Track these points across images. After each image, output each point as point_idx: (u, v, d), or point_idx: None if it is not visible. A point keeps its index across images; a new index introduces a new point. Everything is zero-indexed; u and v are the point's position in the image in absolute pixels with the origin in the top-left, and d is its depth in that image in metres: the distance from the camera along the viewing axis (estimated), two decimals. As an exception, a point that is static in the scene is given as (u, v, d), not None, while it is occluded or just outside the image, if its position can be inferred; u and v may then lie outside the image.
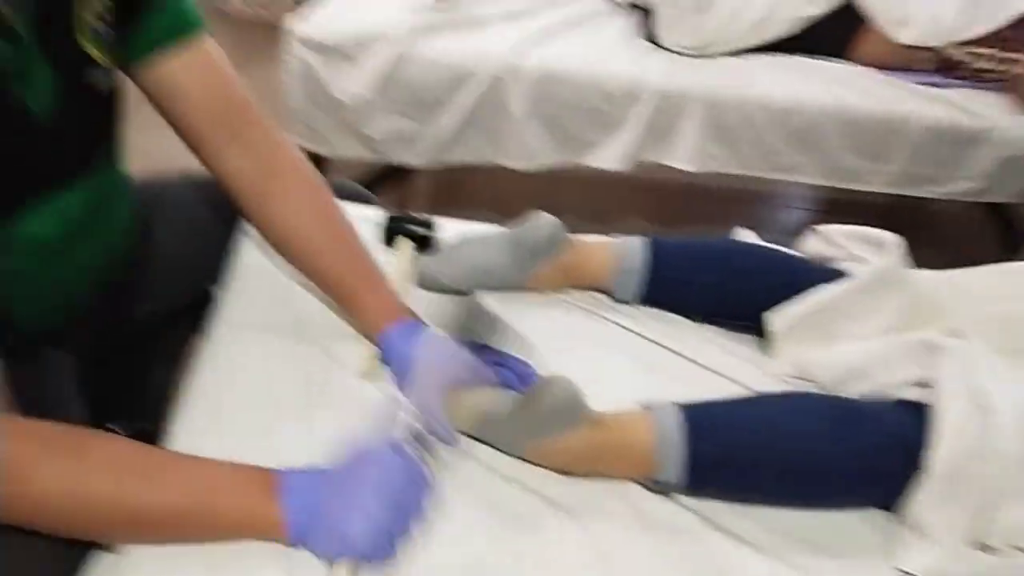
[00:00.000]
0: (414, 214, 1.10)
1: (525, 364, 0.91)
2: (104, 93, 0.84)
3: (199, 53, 0.88)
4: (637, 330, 1.02)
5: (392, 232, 1.07)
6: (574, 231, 1.05)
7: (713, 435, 0.79)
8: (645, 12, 1.97)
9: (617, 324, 1.03)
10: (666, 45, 1.89)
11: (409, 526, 0.71)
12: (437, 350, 0.86)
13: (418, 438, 0.75)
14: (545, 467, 0.82)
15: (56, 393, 0.91)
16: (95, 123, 0.86)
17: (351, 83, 1.69)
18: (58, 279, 0.88)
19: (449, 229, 1.10)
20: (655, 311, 1.05)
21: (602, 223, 2.30)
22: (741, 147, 1.85)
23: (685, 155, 1.85)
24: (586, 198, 2.45)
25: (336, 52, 1.68)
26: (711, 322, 1.05)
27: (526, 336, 0.93)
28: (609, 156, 1.84)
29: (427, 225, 1.08)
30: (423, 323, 0.91)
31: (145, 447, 0.72)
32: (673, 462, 0.78)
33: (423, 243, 1.07)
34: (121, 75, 0.86)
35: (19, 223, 0.79)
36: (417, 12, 1.73)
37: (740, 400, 0.87)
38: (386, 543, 0.69)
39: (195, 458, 0.72)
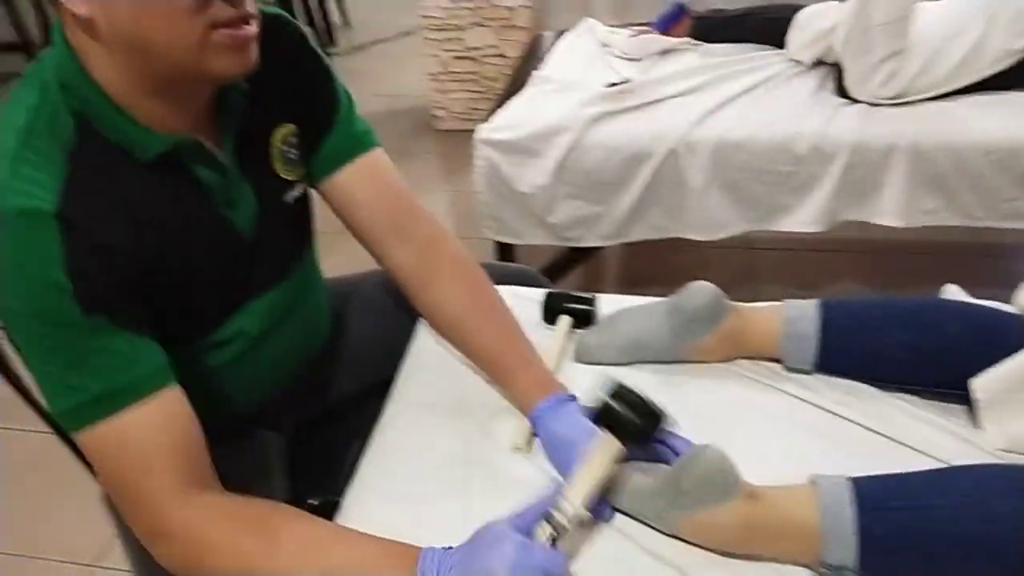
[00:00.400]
0: (575, 292, 1.11)
1: (683, 440, 0.87)
2: (296, 207, 0.97)
3: (369, 165, 0.99)
4: (813, 400, 0.94)
5: (551, 309, 1.09)
6: (775, 299, 1.00)
7: (888, 513, 0.70)
8: (831, 66, 1.89)
9: (789, 394, 0.95)
10: (860, 98, 1.79)
11: None
12: (584, 425, 0.85)
13: (551, 519, 0.73)
14: (700, 546, 0.77)
15: (263, 469, 1.02)
16: (291, 234, 0.98)
17: (532, 175, 1.78)
18: (262, 367, 1.00)
19: (613, 303, 1.10)
20: (834, 379, 0.96)
21: (805, 289, 2.16)
22: (959, 195, 1.68)
23: (892, 210, 1.71)
24: (785, 264, 2.33)
25: (517, 148, 1.78)
26: (903, 390, 0.94)
27: (687, 409, 0.89)
28: (804, 219, 1.75)
29: (586, 301, 1.09)
30: (573, 398, 0.91)
31: (317, 526, 0.77)
32: (841, 543, 0.70)
33: (582, 318, 1.08)
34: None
35: (237, 318, 0.92)
36: (593, 103, 1.79)
37: (925, 472, 0.76)
38: None
39: (356, 537, 0.76)
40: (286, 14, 0.96)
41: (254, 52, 0.78)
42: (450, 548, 0.73)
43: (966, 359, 0.88)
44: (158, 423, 0.76)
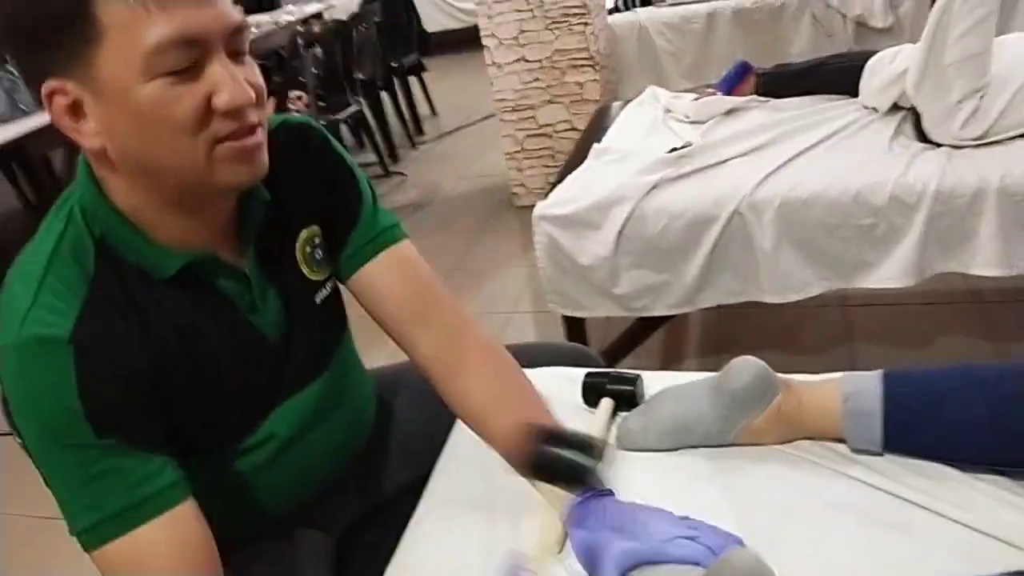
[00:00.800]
0: (618, 371, 1.05)
1: (727, 536, 0.79)
2: (326, 305, 0.97)
3: (393, 258, 0.97)
4: (881, 485, 0.83)
5: (591, 391, 1.03)
6: (874, 360, 0.92)
7: None
8: (909, 110, 1.78)
9: (855, 478, 0.85)
10: (941, 141, 1.67)
11: None
12: (611, 522, 0.78)
13: None
14: None
15: (307, 567, 0.99)
16: (321, 332, 0.98)
17: (593, 247, 1.74)
18: (298, 468, 0.99)
19: (661, 381, 1.03)
20: (909, 460, 0.85)
21: (907, 347, 2.00)
22: (1063, 237, 1.52)
23: (987, 259, 1.56)
24: (884, 321, 2.16)
25: (575, 222, 1.75)
26: (988, 470, 0.82)
27: (738, 500, 0.81)
28: (889, 274, 1.62)
29: (629, 380, 1.03)
30: (607, 493, 0.84)
31: None
32: None
33: (625, 400, 1.01)
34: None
35: (268, 422, 0.92)
36: (652, 170, 1.75)
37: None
38: None
39: None
40: (311, 120, 0.98)
41: (262, 160, 0.79)
42: None
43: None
44: (170, 540, 0.75)
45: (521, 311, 2.63)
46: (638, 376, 1.03)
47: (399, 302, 0.97)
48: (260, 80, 0.78)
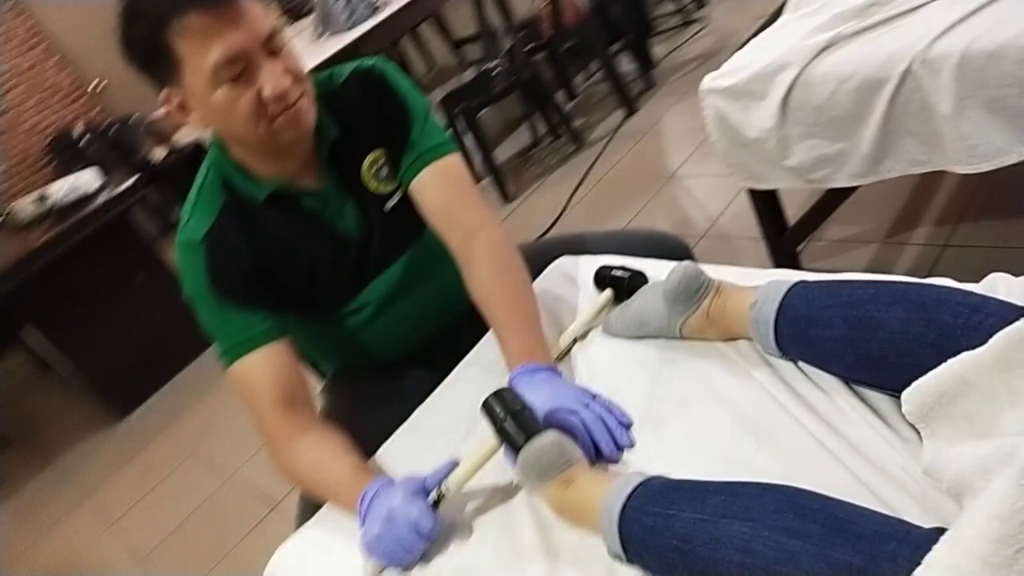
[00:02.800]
0: (629, 266, 1.15)
1: (610, 415, 0.93)
2: (397, 210, 1.24)
3: (436, 171, 1.20)
4: (772, 389, 0.87)
5: (599, 281, 1.16)
6: None
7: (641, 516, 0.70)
8: None
9: (755, 379, 0.90)
10: None
11: (401, 551, 0.91)
12: (532, 388, 0.97)
13: (438, 488, 0.93)
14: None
15: (392, 399, 1.34)
16: (395, 230, 1.26)
17: (758, 119, 1.68)
18: (397, 324, 1.32)
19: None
20: (810, 368, 0.86)
21: None
22: None
23: None
24: None
25: (740, 93, 1.69)
26: (869, 387, 0.80)
27: (656, 387, 0.96)
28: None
29: (634, 275, 1.13)
30: (551, 369, 1.02)
31: (333, 446, 1.07)
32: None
33: (625, 291, 1.12)
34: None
35: (361, 295, 1.27)
36: (827, 27, 1.59)
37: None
38: (383, 557, 0.92)
39: (345, 459, 1.05)
40: (377, 62, 1.23)
41: (307, 121, 1.09)
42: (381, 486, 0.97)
43: (909, 363, 0.72)
44: (265, 364, 1.13)
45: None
46: (640, 273, 1.12)
47: (436, 208, 1.20)
48: (296, 65, 1.08)
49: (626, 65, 3.66)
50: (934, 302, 0.73)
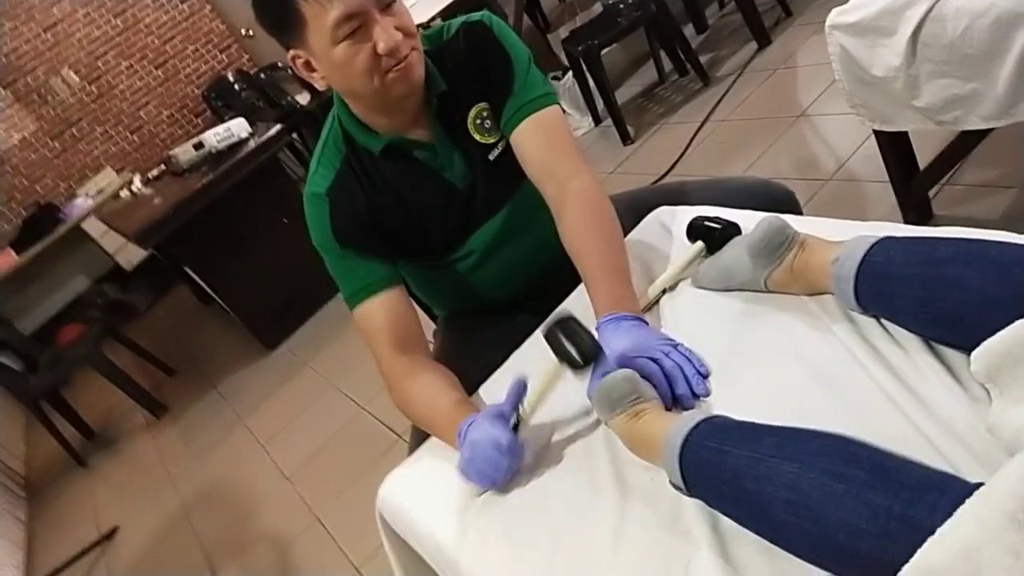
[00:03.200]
0: (724, 218, 1.16)
1: (701, 367, 0.97)
2: (501, 160, 1.31)
3: (535, 123, 1.24)
4: (850, 345, 0.87)
5: (691, 233, 1.17)
6: None
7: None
8: None
9: (834, 334, 0.90)
10: None
11: (490, 470, 0.99)
12: (617, 336, 1.02)
13: (516, 411, 1.01)
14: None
15: (499, 339, 1.42)
16: (499, 180, 1.32)
17: (886, 56, 1.59)
18: (501, 270, 1.40)
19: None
20: (891, 325, 0.86)
21: None
22: None
23: None
24: None
25: (867, 30, 1.60)
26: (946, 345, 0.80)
27: (737, 339, 0.99)
28: None
29: (728, 226, 1.14)
30: (637, 318, 1.06)
31: (441, 381, 1.17)
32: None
33: (717, 243, 1.14)
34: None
35: (468, 242, 1.36)
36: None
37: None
38: (476, 479, 1.01)
39: (451, 393, 1.14)
40: (484, 16, 1.28)
41: (418, 74, 1.17)
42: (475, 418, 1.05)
43: (986, 321, 0.71)
44: (383, 308, 1.24)
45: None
46: (733, 224, 1.13)
47: (533, 159, 1.25)
48: (407, 22, 1.14)
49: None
50: (1013, 262, 0.71)
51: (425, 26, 1.29)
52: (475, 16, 1.29)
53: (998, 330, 0.69)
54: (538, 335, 1.28)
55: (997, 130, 1.67)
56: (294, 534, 2.35)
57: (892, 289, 0.81)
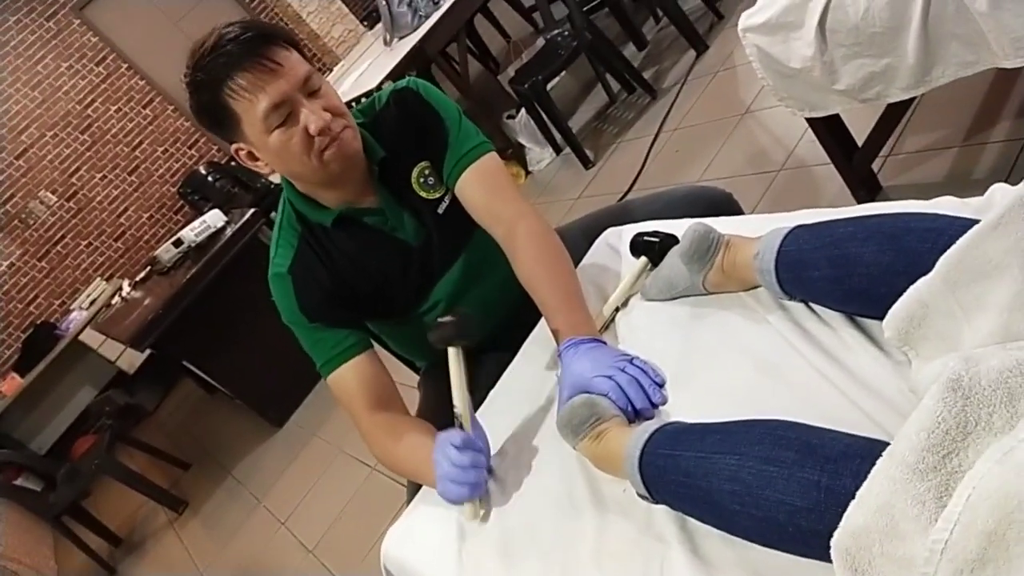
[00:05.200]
0: (664, 231, 1.21)
1: (656, 377, 1.02)
2: (449, 213, 1.36)
3: (475, 172, 1.31)
4: (784, 331, 0.93)
5: (633, 249, 1.23)
6: None
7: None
8: None
9: (769, 324, 0.95)
10: None
11: (458, 473, 1.06)
12: (576, 359, 1.07)
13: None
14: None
15: (486, 378, 1.46)
16: (451, 231, 1.38)
17: (799, 48, 1.66)
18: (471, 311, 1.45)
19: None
20: (819, 307, 0.91)
21: None
22: None
23: None
24: None
25: (777, 27, 1.67)
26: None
27: (686, 340, 1.05)
28: None
29: (667, 240, 1.19)
30: (595, 340, 1.11)
31: (422, 437, 1.22)
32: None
33: (659, 256, 1.19)
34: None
35: (432, 294, 1.41)
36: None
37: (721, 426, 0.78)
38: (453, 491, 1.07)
39: (429, 448, 1.18)
40: (410, 82, 1.35)
41: (352, 146, 1.23)
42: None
43: (888, 290, 0.77)
44: (355, 373, 1.29)
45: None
46: (671, 236, 1.18)
47: (479, 206, 1.31)
48: (335, 102, 1.21)
49: (692, 1, 3.59)
50: (902, 231, 0.77)
51: (375, 90, 1.36)
52: (401, 83, 1.36)
53: (899, 298, 0.74)
54: (514, 367, 1.33)
55: (926, 96, 1.74)
56: (325, 606, 2.37)
57: (807, 273, 0.87)
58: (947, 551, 0.52)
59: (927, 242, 0.74)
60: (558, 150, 3.64)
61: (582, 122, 3.74)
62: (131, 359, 5.30)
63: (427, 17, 3.52)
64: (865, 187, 1.98)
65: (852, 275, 0.80)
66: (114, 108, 5.84)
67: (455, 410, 1.11)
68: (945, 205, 0.88)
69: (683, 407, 0.97)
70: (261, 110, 1.13)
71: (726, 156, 2.64)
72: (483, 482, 1.09)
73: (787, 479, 0.67)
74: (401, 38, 3.72)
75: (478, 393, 1.39)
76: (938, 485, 0.55)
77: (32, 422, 5.34)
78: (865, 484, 0.60)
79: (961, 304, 0.67)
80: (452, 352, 1.12)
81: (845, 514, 0.60)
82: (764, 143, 2.59)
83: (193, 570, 3.19)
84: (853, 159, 1.93)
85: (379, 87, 3.29)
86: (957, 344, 0.69)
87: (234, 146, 1.23)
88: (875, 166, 1.97)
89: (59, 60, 5.67)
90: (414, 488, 1.35)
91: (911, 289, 0.71)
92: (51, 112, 5.64)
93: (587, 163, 3.32)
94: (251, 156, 1.23)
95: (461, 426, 1.10)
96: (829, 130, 1.88)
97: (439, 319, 1.17)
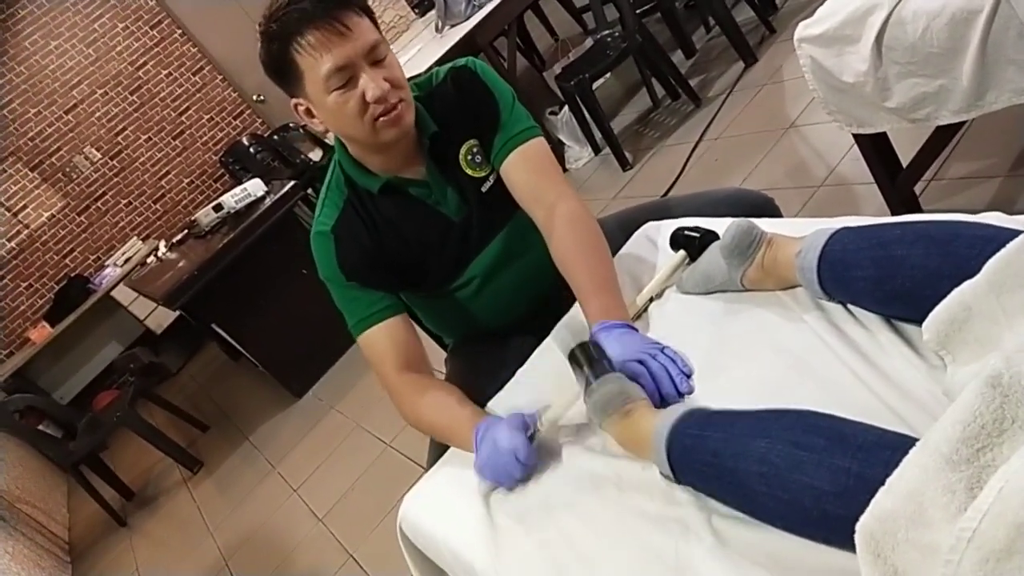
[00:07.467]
0: (703, 227, 1.23)
1: (684, 367, 1.03)
2: (492, 192, 1.39)
3: (521, 155, 1.34)
4: (820, 331, 0.94)
5: (673, 243, 1.25)
6: None
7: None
8: None
9: (806, 323, 0.96)
10: None
11: (504, 476, 1.07)
12: (608, 342, 1.09)
13: (533, 424, 1.09)
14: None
15: (500, 362, 1.49)
16: (492, 210, 1.41)
17: (853, 63, 1.66)
18: (499, 296, 1.48)
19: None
20: (856, 308, 0.92)
21: None
22: None
23: None
24: None
25: (834, 40, 1.68)
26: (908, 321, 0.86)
27: (718, 336, 1.06)
28: None
29: (707, 235, 1.20)
30: (626, 325, 1.13)
31: (448, 396, 1.24)
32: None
33: (698, 251, 1.20)
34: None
35: (467, 270, 1.44)
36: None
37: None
38: (491, 478, 1.08)
39: (461, 405, 1.21)
40: (468, 61, 1.38)
41: (406, 119, 1.25)
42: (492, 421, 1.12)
43: (931, 293, 0.78)
44: (387, 337, 1.32)
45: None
46: (711, 232, 1.20)
47: (522, 187, 1.34)
48: (396, 74, 1.24)
49: (746, 13, 3.58)
50: (951, 236, 0.78)
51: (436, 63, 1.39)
52: (460, 61, 1.39)
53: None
54: (543, 348, 1.35)
55: (976, 122, 1.73)
56: (329, 574, 2.41)
57: (849, 273, 0.88)
58: (974, 540, 0.54)
59: (975, 248, 0.75)
60: (597, 150, 3.66)
61: (623, 124, 3.75)
62: (159, 319, 5.41)
63: (480, 7, 3.55)
64: (906, 209, 1.97)
65: (896, 276, 0.81)
66: (164, 72, 5.93)
67: (538, 424, 1.12)
68: (992, 219, 0.89)
69: (711, 398, 0.98)
70: (324, 70, 1.16)
71: (766, 168, 2.64)
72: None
73: (817, 464, 0.69)
74: (453, 26, 3.75)
75: (504, 370, 1.42)
76: (970, 476, 0.57)
77: (57, 372, 5.46)
78: (896, 471, 0.61)
79: (1005, 309, 0.68)
80: (576, 383, 1.09)
81: (874, 499, 0.62)
82: (806, 158, 2.58)
83: (202, 528, 3.24)
84: (896, 180, 1.92)
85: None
86: (994, 349, 0.70)
87: (294, 100, 1.26)
88: (917, 189, 1.97)
89: (116, 20, 5.76)
90: (437, 450, 1.37)
91: (955, 291, 0.72)
92: (103, 71, 5.74)
93: (625, 165, 3.33)
94: (309, 113, 1.26)
95: (531, 438, 1.09)
96: (875, 148, 1.88)
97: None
